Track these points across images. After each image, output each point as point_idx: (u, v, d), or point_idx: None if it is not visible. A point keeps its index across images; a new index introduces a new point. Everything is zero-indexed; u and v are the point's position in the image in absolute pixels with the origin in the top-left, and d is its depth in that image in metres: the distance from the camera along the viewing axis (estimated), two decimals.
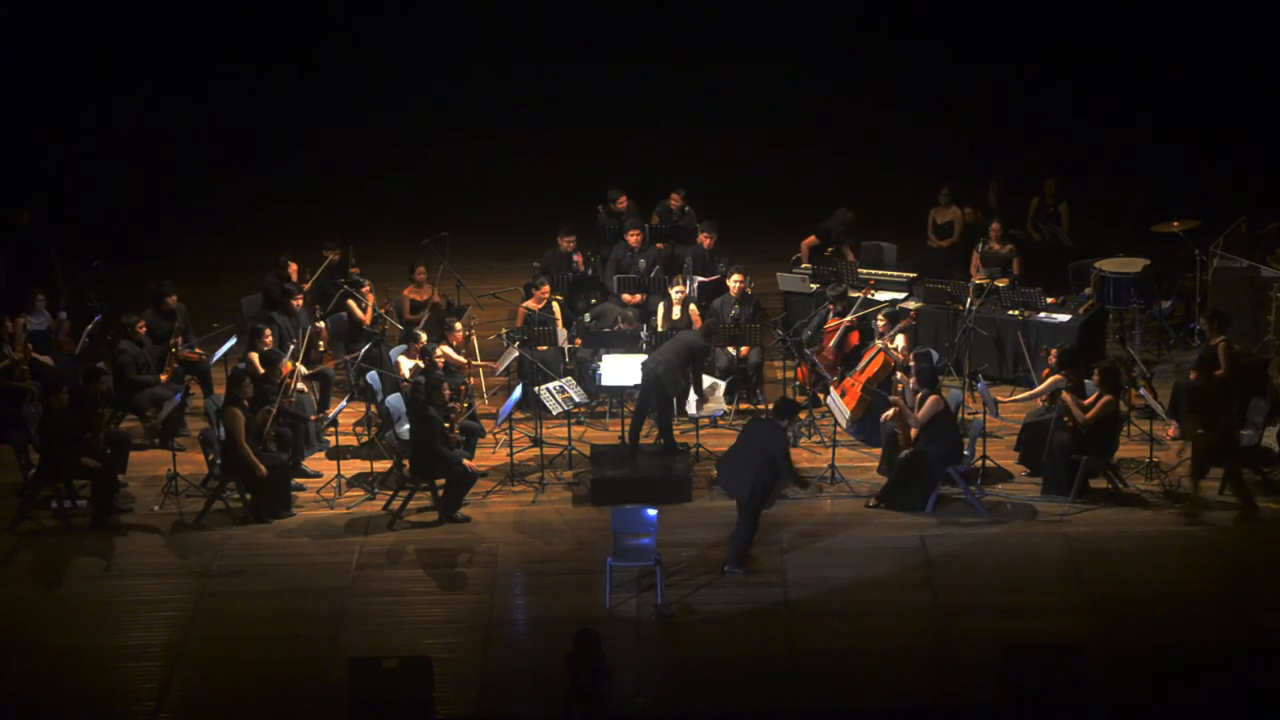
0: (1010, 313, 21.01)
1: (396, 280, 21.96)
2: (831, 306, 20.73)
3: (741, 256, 22.64)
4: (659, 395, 19.07)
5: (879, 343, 19.88)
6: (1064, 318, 20.96)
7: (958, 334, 20.73)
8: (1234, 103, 26.77)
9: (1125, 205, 24.57)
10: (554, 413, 19.48)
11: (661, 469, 18.99)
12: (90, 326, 20.93)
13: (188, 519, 18.52)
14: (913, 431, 18.27)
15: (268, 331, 19.78)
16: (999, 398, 19.52)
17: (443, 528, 18.35)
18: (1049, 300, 21.12)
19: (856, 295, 20.86)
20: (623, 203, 23.07)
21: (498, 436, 19.84)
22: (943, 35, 27.95)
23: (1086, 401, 18.41)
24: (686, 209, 23.07)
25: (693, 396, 19.50)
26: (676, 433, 19.42)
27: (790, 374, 20.73)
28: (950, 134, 27.02)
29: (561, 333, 20.67)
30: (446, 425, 18.34)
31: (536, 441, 19.69)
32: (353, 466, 19.45)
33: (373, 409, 19.97)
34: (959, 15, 27.92)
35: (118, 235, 24.70)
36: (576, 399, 19.46)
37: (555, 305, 20.98)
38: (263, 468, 18.20)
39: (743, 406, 20.65)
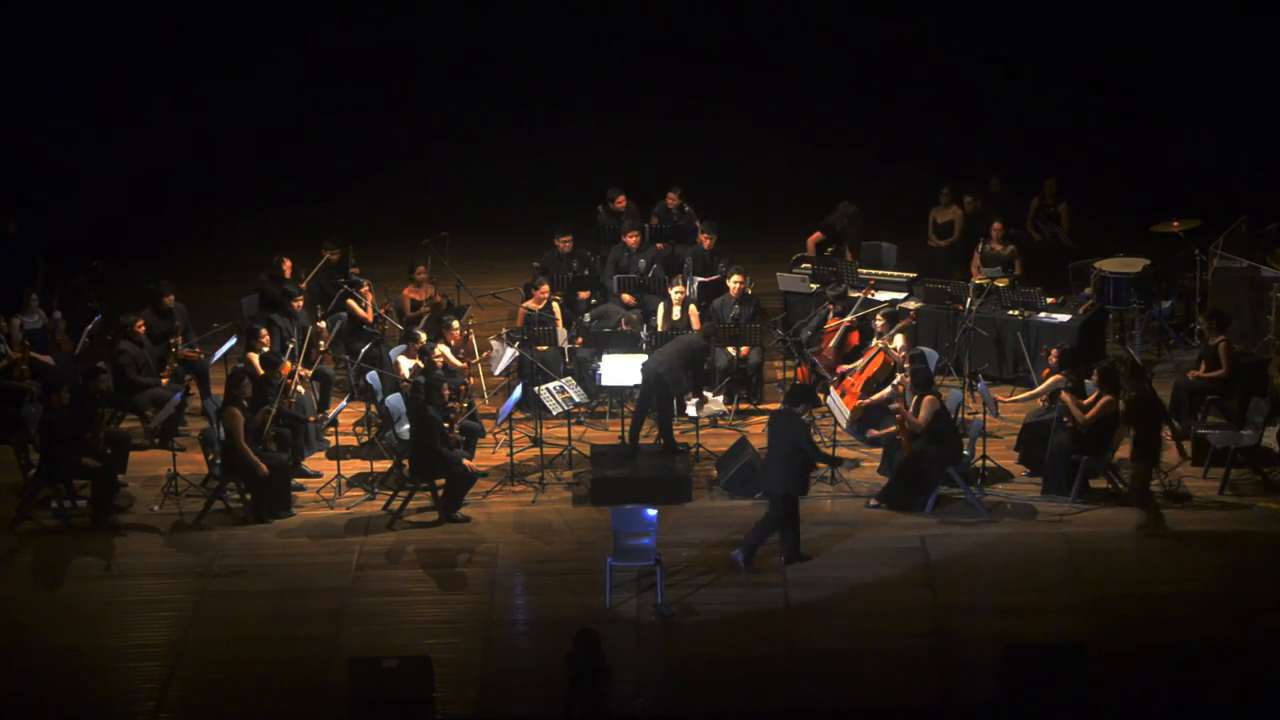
0: (1010, 313, 21.01)
1: (397, 280, 21.96)
2: (831, 306, 20.74)
3: (741, 257, 22.65)
4: (659, 395, 19.07)
5: (878, 342, 19.89)
6: (1064, 318, 20.97)
7: (958, 334, 20.73)
8: (1234, 102, 26.75)
9: (1125, 205, 24.57)
10: (554, 413, 19.48)
11: (661, 469, 19.00)
12: (90, 326, 20.93)
13: (188, 519, 18.52)
14: (905, 440, 18.27)
15: (264, 332, 19.79)
16: (999, 398, 19.52)
17: (443, 528, 18.35)
18: (1049, 300, 21.12)
19: (856, 295, 20.87)
20: (621, 202, 23.07)
21: (498, 436, 19.84)
22: (943, 35, 27.94)
23: (1086, 401, 18.41)
24: (686, 208, 23.07)
25: (692, 397, 19.52)
26: (676, 433, 19.42)
27: (790, 374, 20.72)
28: (951, 134, 27.00)
29: (561, 333, 20.68)
30: (446, 425, 18.35)
31: (536, 441, 19.69)
32: (353, 466, 19.45)
33: (373, 409, 19.97)
34: (959, 15, 27.90)
35: (118, 235, 24.70)
36: (576, 399, 19.46)
37: (555, 305, 20.98)
38: (264, 467, 18.21)
39: (743, 406, 20.65)
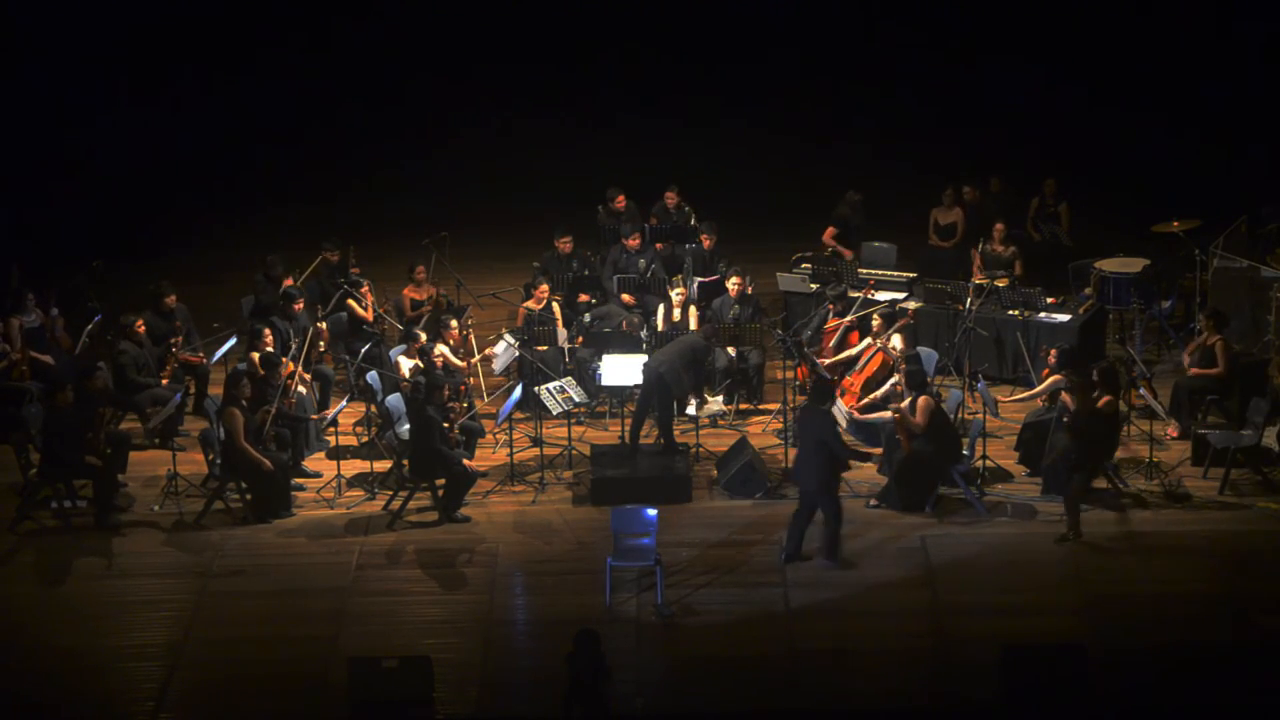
0: (1010, 313, 21.01)
1: (397, 280, 21.96)
2: (831, 306, 20.74)
3: (741, 257, 22.64)
4: (660, 395, 19.08)
5: (876, 342, 19.88)
6: (1064, 318, 20.97)
7: (958, 334, 20.73)
8: (1235, 102, 26.75)
9: (1125, 205, 24.57)
10: (554, 413, 19.48)
11: (661, 469, 18.99)
12: (90, 326, 20.93)
13: (188, 519, 18.52)
14: (904, 440, 18.27)
15: (268, 332, 19.79)
16: (999, 398, 19.53)
17: (443, 528, 18.35)
18: (1049, 300, 21.12)
19: (856, 295, 20.87)
20: (621, 202, 23.06)
21: (498, 436, 19.84)
22: (943, 35, 27.93)
23: None
24: (685, 208, 23.07)
25: (692, 397, 19.53)
26: (676, 433, 19.42)
27: (790, 374, 20.72)
28: (951, 134, 26.99)
29: (561, 333, 20.68)
30: (446, 425, 18.35)
31: (536, 441, 19.69)
32: (353, 466, 19.45)
33: (373, 409, 19.97)
34: (960, 14, 27.90)
35: (117, 235, 24.70)
36: (576, 399, 19.46)
37: (555, 305, 20.98)
38: (268, 463, 18.22)
39: (743, 406, 20.66)
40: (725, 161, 26.91)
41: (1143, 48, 27.36)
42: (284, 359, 19.43)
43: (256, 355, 19.48)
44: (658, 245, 22.31)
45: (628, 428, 19.46)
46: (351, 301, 21.30)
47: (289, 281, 21.39)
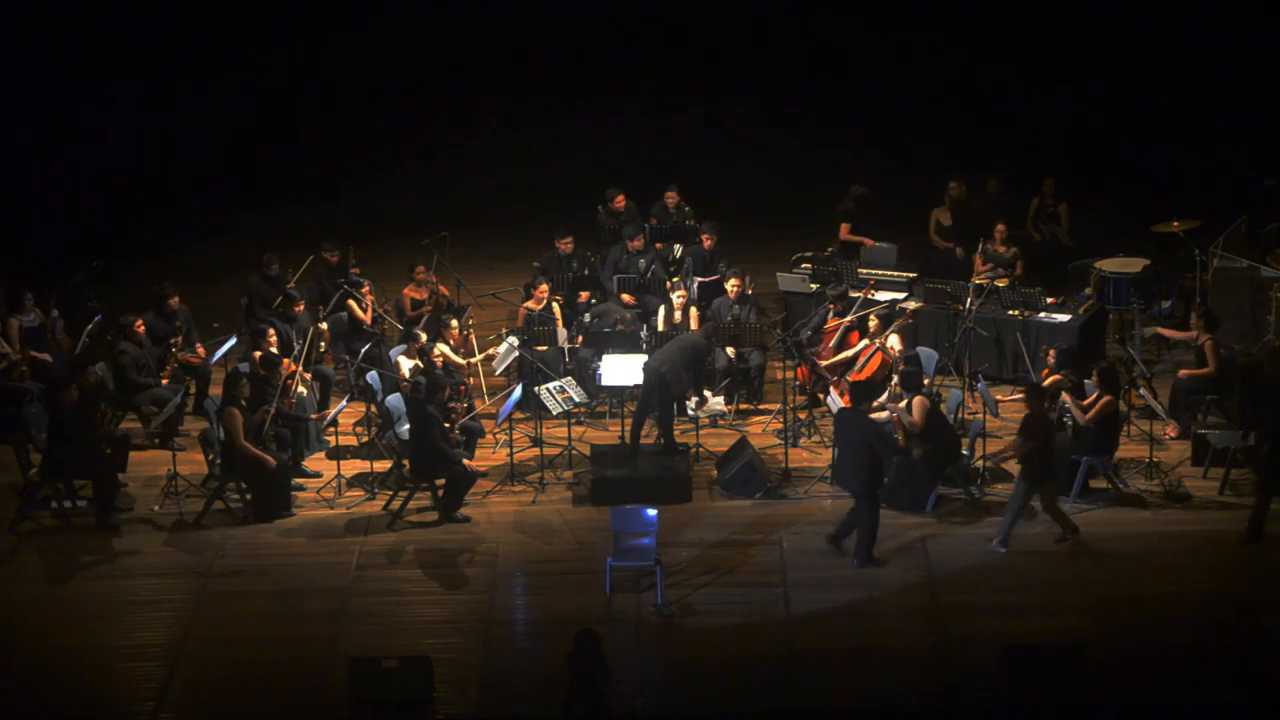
0: (1010, 313, 21.00)
1: (397, 280, 21.95)
2: (832, 306, 20.74)
3: (741, 257, 22.64)
4: (660, 395, 19.08)
5: (875, 342, 19.87)
6: (1064, 318, 20.96)
7: (958, 334, 20.72)
8: (1235, 102, 26.74)
9: (1125, 205, 24.57)
10: (554, 413, 19.49)
11: (661, 469, 19.00)
12: (90, 326, 20.93)
13: (188, 519, 18.53)
14: (903, 440, 18.28)
15: (272, 332, 19.80)
16: (999, 398, 19.52)
17: (443, 528, 18.36)
18: (1049, 300, 21.12)
19: (856, 295, 20.87)
20: (620, 202, 23.06)
21: (498, 436, 19.84)
22: (943, 35, 27.93)
23: (1086, 402, 18.41)
24: (686, 207, 23.07)
25: (692, 397, 19.53)
26: (676, 433, 19.42)
27: (791, 374, 20.72)
28: (951, 134, 26.98)
29: (561, 333, 20.68)
30: (446, 425, 18.35)
31: (536, 441, 19.69)
32: (353, 466, 19.45)
33: (373, 409, 19.98)
34: (960, 14, 27.89)
35: (117, 235, 24.69)
36: (576, 399, 19.47)
37: (555, 305, 20.98)
38: (271, 460, 18.22)
39: (743, 406, 20.65)
40: (725, 161, 26.90)
41: (1142, 48, 27.34)
42: (285, 359, 19.43)
43: (258, 354, 19.48)
44: (657, 245, 22.31)
45: (628, 428, 19.46)
46: (351, 302, 21.30)
47: (290, 284, 21.38)
